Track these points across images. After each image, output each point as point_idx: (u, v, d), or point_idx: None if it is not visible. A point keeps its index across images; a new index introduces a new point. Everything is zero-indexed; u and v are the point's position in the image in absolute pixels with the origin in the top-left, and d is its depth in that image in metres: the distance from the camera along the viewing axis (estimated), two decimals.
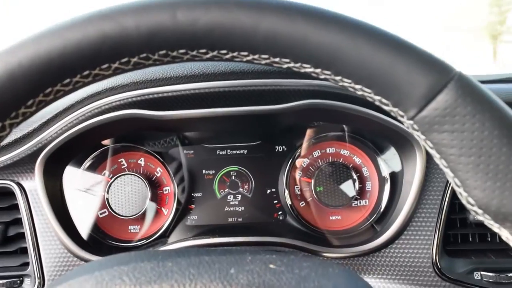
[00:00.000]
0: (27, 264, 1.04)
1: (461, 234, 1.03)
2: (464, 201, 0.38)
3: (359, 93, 0.39)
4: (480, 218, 0.37)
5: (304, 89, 0.92)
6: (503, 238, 0.37)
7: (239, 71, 0.91)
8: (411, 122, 0.38)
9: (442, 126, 0.36)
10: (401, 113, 0.38)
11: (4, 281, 1.03)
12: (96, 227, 1.11)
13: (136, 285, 0.39)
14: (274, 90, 0.92)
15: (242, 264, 0.43)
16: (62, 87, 0.38)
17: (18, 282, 1.03)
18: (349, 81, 0.38)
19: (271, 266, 0.42)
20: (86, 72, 0.38)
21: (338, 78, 0.38)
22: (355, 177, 1.07)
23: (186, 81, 0.91)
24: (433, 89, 0.36)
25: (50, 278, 1.02)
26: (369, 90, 0.38)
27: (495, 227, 0.37)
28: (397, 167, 1.06)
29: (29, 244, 1.03)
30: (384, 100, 0.38)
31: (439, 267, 0.98)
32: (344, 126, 1.11)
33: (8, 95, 0.37)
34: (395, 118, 0.95)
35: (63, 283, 0.42)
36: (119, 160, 1.13)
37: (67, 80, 0.38)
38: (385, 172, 1.10)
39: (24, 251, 1.05)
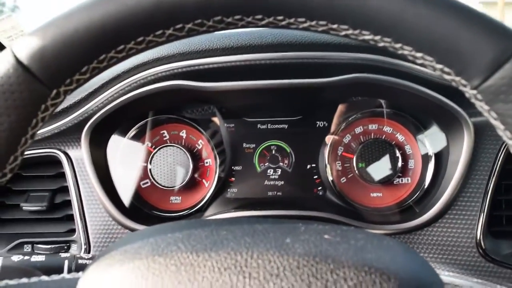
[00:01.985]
0: (73, 230, 1.07)
1: (506, 216, 1.01)
2: None
3: (420, 61, 0.38)
4: None
5: (350, 62, 0.91)
6: None
7: (285, 43, 0.90)
8: (475, 91, 0.36)
9: (509, 96, 0.35)
10: (464, 82, 0.36)
11: (52, 246, 1.06)
12: (139, 197, 1.13)
13: (192, 252, 0.39)
14: (319, 64, 0.91)
15: (296, 233, 0.42)
16: (116, 53, 0.38)
17: (65, 247, 1.07)
18: (410, 48, 0.37)
19: (326, 236, 0.42)
20: (140, 39, 0.38)
21: (398, 45, 0.37)
22: (398, 154, 1.05)
23: (231, 53, 0.91)
24: (500, 57, 0.34)
25: (95, 244, 1.05)
26: (430, 58, 0.37)
27: None
28: (442, 146, 1.04)
29: (75, 211, 1.07)
30: (446, 69, 0.37)
31: (484, 248, 0.96)
32: (388, 102, 1.09)
33: (63, 62, 0.37)
34: (443, 91, 0.92)
35: (117, 248, 0.43)
36: (161, 132, 1.14)
37: (121, 47, 0.38)
38: (429, 151, 1.07)
39: (71, 218, 1.08)
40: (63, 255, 0.83)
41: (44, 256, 0.84)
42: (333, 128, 1.11)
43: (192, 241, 0.41)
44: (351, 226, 0.95)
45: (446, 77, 0.37)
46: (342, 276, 0.37)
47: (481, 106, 0.37)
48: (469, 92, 0.37)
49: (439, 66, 0.37)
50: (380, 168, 1.06)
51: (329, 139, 1.11)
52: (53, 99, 0.39)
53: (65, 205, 1.10)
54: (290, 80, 0.94)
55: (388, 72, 0.92)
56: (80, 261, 0.84)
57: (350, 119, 1.11)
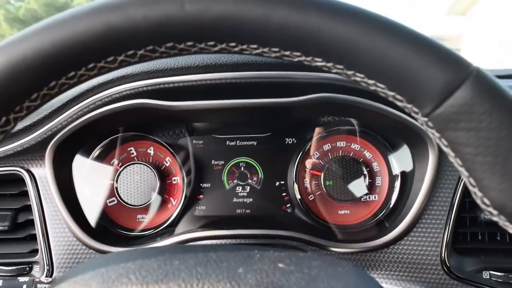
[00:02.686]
0: (36, 251, 1.05)
1: (470, 233, 1.02)
2: (478, 201, 0.37)
3: (372, 88, 0.38)
4: (495, 219, 0.36)
5: (317, 82, 0.91)
6: None
7: (251, 62, 0.90)
8: (426, 119, 0.36)
9: (458, 124, 0.35)
10: (415, 109, 0.37)
11: (14, 267, 1.03)
12: (105, 216, 1.11)
13: (143, 284, 0.39)
14: (286, 83, 0.91)
15: (250, 263, 0.42)
16: (66, 80, 0.38)
17: (27, 269, 1.04)
18: (362, 75, 0.37)
19: (280, 265, 0.42)
20: (91, 65, 0.37)
21: (350, 72, 0.37)
22: (365, 172, 1.06)
23: (197, 72, 0.90)
24: (450, 85, 0.34)
25: (58, 265, 1.02)
26: (382, 86, 0.37)
27: (510, 228, 0.36)
28: (408, 164, 1.05)
29: (38, 231, 1.04)
30: (398, 96, 0.37)
31: (448, 265, 0.97)
32: (355, 120, 1.10)
33: (12, 89, 0.36)
34: (408, 114, 0.93)
35: (68, 279, 0.42)
36: (129, 149, 1.13)
37: (72, 73, 0.37)
38: (396, 169, 1.08)
39: (34, 238, 1.05)
40: (21, 279, 0.81)
41: (1, 280, 0.81)
42: (301, 145, 1.12)
43: (143, 272, 0.40)
44: (316, 245, 0.96)
45: (398, 103, 0.38)
46: None
47: (433, 133, 0.37)
48: (421, 119, 0.37)
49: (391, 93, 0.37)
50: (347, 186, 1.06)
51: (297, 156, 1.11)
52: (2, 126, 0.38)
53: (28, 224, 1.07)
54: (256, 100, 0.94)
55: (354, 91, 0.93)
56: (39, 286, 0.81)
57: (318, 136, 1.11)
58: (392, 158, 1.09)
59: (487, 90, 0.34)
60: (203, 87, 0.91)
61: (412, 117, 0.94)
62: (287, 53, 0.37)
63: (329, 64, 0.37)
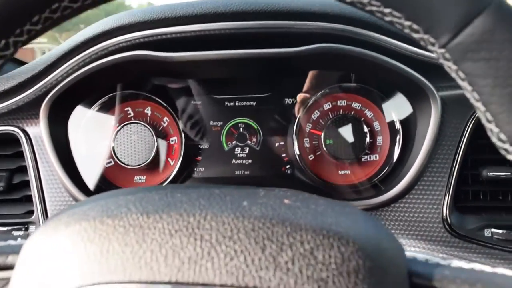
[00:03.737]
0: (32, 212, 1.03)
1: (472, 191, 1.01)
2: (494, 138, 0.35)
3: (388, 18, 0.36)
4: (511, 157, 0.35)
5: (318, 32, 0.89)
6: None
7: (251, 11, 0.88)
8: (443, 50, 0.35)
9: (478, 54, 0.33)
10: (432, 40, 0.35)
11: (9, 227, 1.02)
12: (102, 177, 1.10)
13: (143, 214, 0.37)
14: (286, 33, 0.89)
15: (255, 197, 0.41)
16: (70, 2, 0.36)
17: (23, 229, 1.03)
18: (378, 3, 0.35)
19: (286, 201, 0.41)
20: None
21: (366, 1, 0.36)
22: (366, 130, 1.04)
23: (195, 21, 0.88)
24: (470, 12, 0.33)
25: None
26: (399, 15, 0.35)
27: None
28: (409, 120, 1.04)
29: (34, 192, 1.03)
30: (414, 26, 0.35)
31: (449, 223, 0.97)
32: (356, 76, 1.08)
33: (13, 10, 0.35)
34: (410, 64, 0.91)
35: (66, 211, 0.41)
36: (126, 109, 1.11)
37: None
38: (397, 123, 1.07)
39: (29, 199, 1.04)
40: (15, 233, 0.79)
41: None
42: (301, 103, 1.10)
43: (144, 203, 0.39)
44: None
45: (415, 35, 0.36)
46: (298, 239, 0.35)
47: (449, 66, 0.35)
48: (437, 51, 0.35)
49: (408, 23, 0.35)
50: (347, 145, 1.05)
51: (296, 115, 1.09)
52: (2, 50, 0.37)
53: (23, 185, 1.05)
54: (256, 50, 0.91)
55: (356, 42, 0.91)
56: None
57: (318, 95, 1.09)
58: (393, 114, 1.07)
59: (510, 18, 0.33)
60: (201, 38, 0.89)
61: (417, 69, 0.92)
62: None
63: None
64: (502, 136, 0.34)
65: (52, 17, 0.36)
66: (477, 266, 0.40)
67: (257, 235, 0.36)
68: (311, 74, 1.08)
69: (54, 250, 0.37)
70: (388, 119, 1.08)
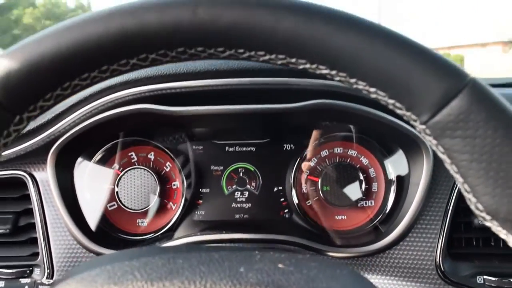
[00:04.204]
0: (37, 254, 1.06)
1: (465, 238, 1.04)
2: (472, 207, 0.38)
3: (373, 96, 0.39)
4: (488, 224, 0.37)
5: (315, 89, 0.93)
6: (510, 244, 0.37)
7: (252, 69, 0.92)
8: (424, 126, 0.38)
9: (455, 132, 0.36)
10: (414, 117, 0.38)
11: (14, 270, 1.04)
12: (105, 220, 1.13)
13: (147, 281, 0.40)
14: (285, 89, 0.93)
15: (251, 262, 0.43)
16: (80, 81, 0.39)
17: (27, 271, 1.05)
18: (364, 83, 0.38)
19: (280, 265, 0.43)
20: (105, 67, 0.38)
21: (353, 80, 0.39)
22: (361, 177, 1.08)
23: (199, 77, 0.92)
24: (447, 94, 0.36)
25: (59, 269, 1.04)
26: (383, 94, 0.38)
27: (503, 233, 0.37)
28: (404, 170, 1.07)
29: (39, 234, 1.05)
30: (397, 104, 0.38)
31: (443, 270, 0.99)
32: (352, 127, 1.12)
33: (28, 88, 0.37)
34: (405, 121, 0.95)
35: (75, 276, 0.43)
36: (129, 154, 1.14)
37: (86, 75, 0.38)
38: (392, 175, 1.10)
39: (34, 241, 1.06)
40: (23, 280, 0.81)
41: (3, 281, 0.82)
42: (299, 151, 1.13)
43: (148, 270, 0.41)
44: (313, 250, 0.97)
45: (398, 111, 0.39)
46: None
47: (430, 140, 0.38)
48: (419, 126, 0.38)
49: (391, 101, 0.38)
50: (344, 192, 1.08)
51: (295, 162, 1.13)
52: (16, 125, 0.39)
53: (29, 228, 1.08)
54: (256, 106, 0.96)
55: (351, 98, 0.95)
56: (40, 287, 0.82)
57: (316, 142, 1.13)
58: (388, 163, 1.11)
59: (483, 100, 0.36)
60: (203, 93, 0.93)
61: (409, 124, 0.96)
62: (293, 60, 0.39)
63: (333, 72, 0.39)
64: (479, 206, 0.37)
65: (63, 93, 0.39)
66: None
67: None
68: (320, 124, 1.13)
69: None
70: (383, 168, 1.11)
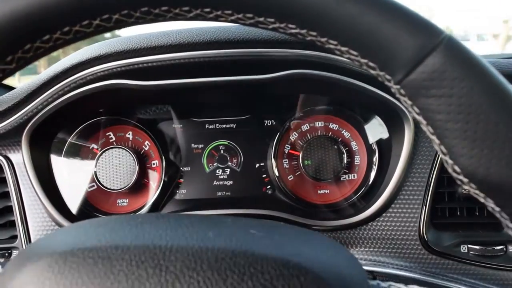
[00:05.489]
0: (15, 237, 1.04)
1: (449, 208, 1.03)
2: (450, 169, 0.37)
3: (346, 56, 0.38)
4: (466, 187, 0.36)
5: (292, 58, 0.91)
6: (489, 208, 0.36)
7: (225, 40, 0.90)
8: (398, 86, 0.36)
9: (430, 91, 0.35)
10: (388, 77, 0.37)
11: None
12: (85, 201, 1.11)
13: (111, 246, 0.39)
14: (261, 60, 0.91)
15: (221, 227, 0.42)
16: (41, 43, 0.37)
17: (6, 254, 1.03)
18: (335, 42, 0.37)
19: (252, 231, 0.42)
20: (67, 29, 0.37)
21: (324, 39, 0.37)
22: (343, 150, 1.07)
23: (171, 51, 0.89)
24: (421, 51, 0.34)
25: None
26: (355, 53, 0.37)
27: (481, 197, 0.36)
28: (385, 137, 1.06)
29: (17, 217, 1.04)
30: (370, 63, 0.37)
31: (426, 240, 0.98)
32: (333, 99, 1.10)
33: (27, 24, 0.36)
34: (382, 87, 0.94)
35: (38, 243, 0.42)
36: (107, 134, 1.12)
37: (47, 37, 0.37)
38: (374, 144, 1.09)
39: (13, 224, 1.05)
40: None
41: None
42: (280, 126, 1.12)
43: (113, 235, 0.40)
44: (296, 224, 0.97)
45: (371, 71, 0.38)
46: (259, 269, 0.37)
47: (405, 101, 0.37)
48: (393, 87, 0.37)
49: (364, 60, 0.37)
50: (326, 165, 1.07)
51: (275, 137, 1.12)
52: (7, 64, 0.38)
53: (6, 211, 1.06)
54: (230, 77, 0.93)
55: (329, 67, 0.93)
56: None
57: (296, 117, 1.11)
58: (370, 135, 1.10)
59: (459, 56, 0.34)
60: (176, 66, 0.90)
61: (388, 92, 0.95)
62: (261, 19, 0.37)
63: (303, 31, 0.37)
64: (456, 168, 0.36)
65: (25, 56, 0.38)
66: None
67: (219, 266, 0.37)
68: (301, 96, 1.11)
69: (25, 282, 0.38)
70: (364, 139, 1.10)
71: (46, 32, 0.37)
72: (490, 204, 0.36)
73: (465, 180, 0.36)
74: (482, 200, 0.36)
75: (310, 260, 0.38)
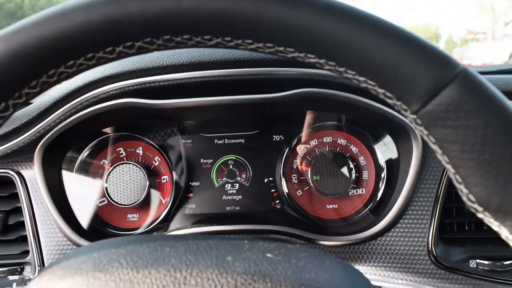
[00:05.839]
0: (27, 252, 1.05)
1: (457, 223, 1.03)
2: (464, 198, 0.37)
3: (363, 85, 0.38)
4: (480, 215, 0.37)
5: (301, 77, 0.92)
6: (503, 237, 0.37)
7: (236, 59, 0.91)
8: (415, 116, 0.37)
9: (446, 122, 0.35)
10: (404, 107, 0.37)
11: (5, 268, 1.04)
12: (95, 216, 1.12)
13: (133, 269, 0.39)
14: (270, 79, 0.92)
15: (239, 251, 0.43)
16: (65, 69, 0.38)
17: (18, 269, 1.04)
18: (353, 72, 0.38)
19: (268, 255, 0.43)
20: (90, 55, 0.38)
21: (342, 69, 0.38)
22: (351, 166, 1.07)
23: (182, 70, 0.91)
24: (438, 84, 0.35)
25: None
26: (373, 83, 0.38)
27: (495, 225, 0.36)
28: (393, 155, 1.07)
29: (29, 232, 1.05)
30: (388, 94, 0.37)
31: (435, 255, 0.99)
32: (341, 115, 1.11)
33: (12, 75, 0.37)
34: (394, 109, 0.95)
35: (60, 263, 0.43)
36: (118, 149, 1.14)
37: (71, 62, 0.38)
38: (382, 161, 1.10)
39: (25, 239, 1.06)
40: (11, 277, 0.81)
41: None
42: (289, 141, 1.13)
43: (134, 257, 0.41)
44: (305, 239, 0.97)
45: (388, 101, 0.38)
46: None
47: (421, 130, 0.38)
48: (409, 116, 0.38)
49: (381, 90, 0.38)
50: (334, 180, 1.07)
51: (284, 152, 1.12)
52: (2, 112, 0.39)
53: (18, 226, 1.07)
54: (241, 96, 0.95)
55: (339, 87, 0.94)
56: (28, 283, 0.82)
57: (305, 132, 1.12)
58: (378, 151, 1.10)
59: (475, 89, 0.35)
60: (188, 85, 0.92)
61: (396, 111, 0.96)
62: (281, 48, 0.38)
63: (322, 61, 0.38)
64: (471, 197, 0.36)
65: (49, 81, 0.39)
66: None
67: None
68: (309, 112, 1.12)
69: None
70: (373, 155, 1.11)
71: (71, 58, 0.38)
72: (504, 232, 0.36)
73: (480, 209, 0.36)
74: (496, 228, 0.37)
75: (327, 285, 0.39)
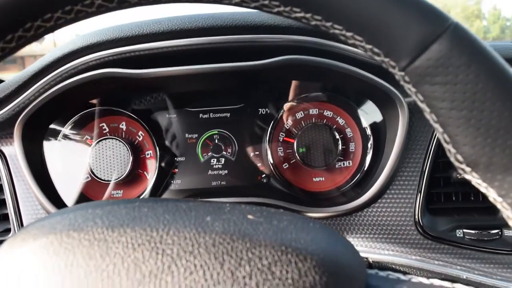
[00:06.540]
0: (8, 230, 1.03)
1: (444, 193, 1.03)
2: (452, 158, 0.36)
3: (351, 41, 0.37)
4: (468, 176, 0.36)
5: (286, 44, 0.91)
6: (490, 199, 0.36)
7: (218, 26, 0.89)
8: (403, 73, 0.36)
9: (435, 78, 0.35)
10: (392, 63, 0.36)
11: None
12: (79, 192, 1.10)
13: (108, 228, 0.39)
14: (254, 46, 0.90)
15: (219, 213, 0.42)
16: (43, 22, 0.37)
17: None
18: (340, 27, 0.36)
19: (250, 216, 0.42)
20: (68, 8, 0.37)
21: (329, 24, 0.37)
22: (338, 137, 1.06)
23: (163, 38, 0.89)
24: (427, 38, 0.34)
25: None
26: (360, 38, 0.36)
27: (483, 186, 0.36)
28: (380, 126, 1.06)
29: (10, 210, 1.03)
30: (375, 49, 0.36)
31: (422, 225, 0.99)
32: (326, 85, 1.10)
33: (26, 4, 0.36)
34: (376, 72, 0.94)
35: (36, 223, 0.42)
36: (101, 125, 1.11)
37: (48, 15, 0.37)
38: (368, 130, 1.09)
39: (6, 217, 1.04)
40: None
41: None
42: (274, 114, 1.11)
43: (110, 217, 0.40)
44: (291, 211, 0.96)
45: (376, 58, 0.37)
46: (257, 254, 0.37)
47: (409, 88, 0.37)
48: (397, 73, 0.37)
49: (369, 46, 0.37)
50: (321, 152, 1.06)
51: (270, 125, 1.11)
52: (7, 43, 0.38)
53: (0, 204, 1.05)
54: (224, 64, 0.93)
55: (322, 53, 0.92)
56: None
57: (290, 104, 1.11)
58: (363, 119, 1.09)
59: (465, 44, 0.34)
60: (169, 54, 0.90)
61: (382, 78, 0.95)
62: (266, 2, 0.37)
63: (308, 15, 0.37)
64: (459, 157, 0.36)
65: (26, 35, 0.38)
66: (437, 282, 0.41)
67: (217, 250, 0.37)
68: (294, 83, 1.10)
69: (21, 263, 0.38)
70: (359, 126, 1.10)
71: (48, 10, 0.36)
72: (492, 194, 0.35)
73: (468, 169, 0.36)
74: (483, 190, 0.36)
75: (309, 246, 0.38)
